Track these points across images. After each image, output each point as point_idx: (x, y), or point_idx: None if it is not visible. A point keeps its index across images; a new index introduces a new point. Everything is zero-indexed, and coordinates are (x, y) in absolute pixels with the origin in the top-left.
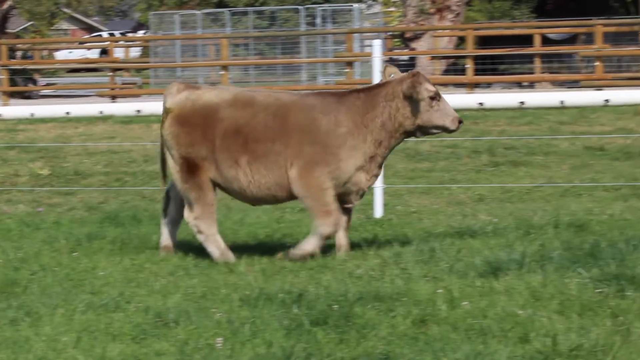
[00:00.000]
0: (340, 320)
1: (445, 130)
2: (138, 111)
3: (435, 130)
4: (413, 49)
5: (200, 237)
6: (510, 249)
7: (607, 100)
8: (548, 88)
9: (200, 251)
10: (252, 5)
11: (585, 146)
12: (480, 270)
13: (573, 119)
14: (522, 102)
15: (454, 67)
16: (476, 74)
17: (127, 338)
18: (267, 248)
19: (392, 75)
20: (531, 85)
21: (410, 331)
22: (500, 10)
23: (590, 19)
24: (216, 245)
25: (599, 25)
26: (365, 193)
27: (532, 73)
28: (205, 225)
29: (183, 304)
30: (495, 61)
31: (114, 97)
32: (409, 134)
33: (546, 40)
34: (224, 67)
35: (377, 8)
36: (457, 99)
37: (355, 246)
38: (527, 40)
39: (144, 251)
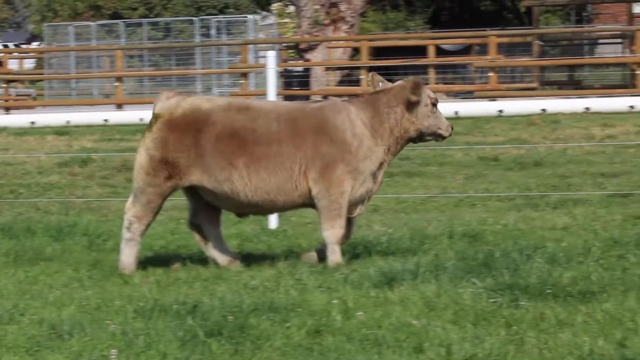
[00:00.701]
0: (234, 331)
1: (440, 136)
2: (32, 123)
3: (430, 137)
4: (308, 60)
5: (126, 235)
6: (404, 260)
7: (500, 111)
8: (442, 98)
9: (95, 263)
10: (146, 16)
11: (479, 156)
12: (374, 280)
13: (467, 130)
14: None
15: (349, 78)
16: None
17: (21, 350)
18: (161, 259)
19: (381, 84)
20: None
21: (305, 342)
22: (395, 21)
23: (484, 30)
24: (135, 251)
25: (493, 36)
26: (369, 201)
27: (426, 84)
28: (139, 228)
29: (77, 315)
30: (390, 72)
31: (7, 109)
32: (410, 140)
33: (440, 51)
34: (119, 79)
35: (271, 19)
36: None
37: (249, 257)
38: (421, 51)
39: (37, 263)
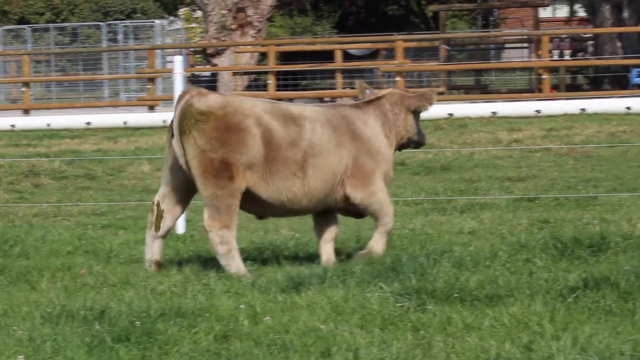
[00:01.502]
0: (142, 337)
1: (421, 144)
2: None
3: (413, 145)
4: (215, 65)
5: (221, 249)
6: (312, 264)
7: None
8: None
9: (2, 269)
10: (53, 21)
11: None
12: (282, 285)
13: None
14: None
15: (256, 82)
16: (278, 90)
17: None
18: (69, 265)
19: (368, 92)
20: (333, 101)
21: (212, 347)
22: (302, 26)
23: (391, 35)
24: (235, 263)
25: (400, 41)
26: None
27: (333, 88)
28: (231, 236)
29: None
30: (297, 77)
31: None
32: (402, 147)
33: (347, 56)
34: (26, 84)
35: (178, 24)
36: None
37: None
38: (328, 55)
39: None
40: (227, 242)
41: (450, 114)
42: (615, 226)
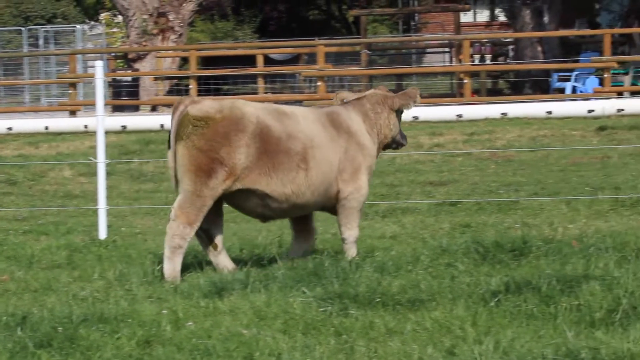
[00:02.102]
0: (64, 343)
1: (401, 145)
2: None
3: (395, 145)
4: (136, 70)
5: (173, 241)
6: (234, 269)
7: None
8: None
9: None
10: None
11: None
12: (204, 290)
13: None
14: None
15: (177, 87)
16: (199, 95)
17: None
18: None
19: (345, 100)
20: None
21: (135, 352)
22: (223, 31)
23: (313, 39)
24: (173, 264)
25: (321, 46)
26: None
27: (255, 93)
28: (188, 235)
29: None
30: (219, 81)
31: None
32: (386, 147)
33: (269, 61)
34: None
35: (100, 29)
36: None
37: (79, 268)
38: (250, 60)
39: None
40: (181, 237)
41: None
42: (536, 230)
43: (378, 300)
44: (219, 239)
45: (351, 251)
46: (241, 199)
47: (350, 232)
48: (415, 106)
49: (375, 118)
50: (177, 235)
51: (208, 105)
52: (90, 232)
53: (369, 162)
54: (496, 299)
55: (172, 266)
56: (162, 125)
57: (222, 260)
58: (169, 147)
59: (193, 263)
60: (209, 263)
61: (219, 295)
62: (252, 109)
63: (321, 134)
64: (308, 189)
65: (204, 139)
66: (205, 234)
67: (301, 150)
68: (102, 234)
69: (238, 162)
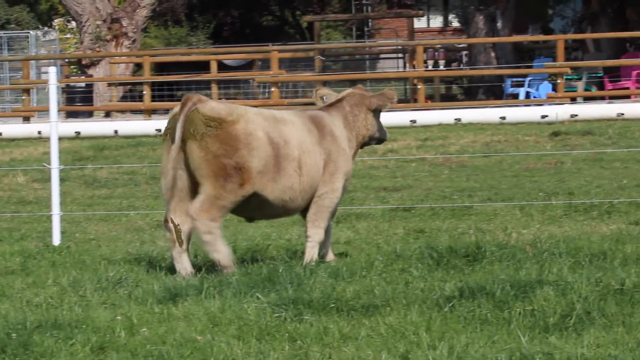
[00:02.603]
0: (18, 349)
1: (382, 141)
2: None
3: (374, 142)
4: (90, 76)
5: (207, 237)
6: (189, 275)
7: None
8: None
9: None
10: None
11: None
12: (159, 296)
13: None
14: None
15: (131, 93)
16: (153, 101)
17: None
18: None
19: (325, 97)
20: None
21: (89, 358)
22: (177, 37)
23: (266, 45)
24: (222, 253)
25: (275, 52)
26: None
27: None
28: (216, 227)
29: None
30: (173, 87)
31: None
32: (364, 145)
33: (223, 67)
34: None
35: (53, 35)
36: (134, 126)
37: (33, 274)
38: (204, 66)
39: None
40: (212, 232)
41: None
42: (490, 235)
43: (332, 305)
44: (187, 238)
45: (312, 251)
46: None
47: (316, 231)
48: (393, 106)
49: (353, 120)
50: (207, 232)
51: (218, 106)
52: (44, 239)
53: (347, 167)
54: (450, 305)
55: (222, 255)
56: (116, 131)
57: (184, 261)
58: (171, 142)
59: (147, 269)
60: (164, 269)
61: (173, 301)
62: (254, 113)
63: (309, 138)
64: (300, 194)
65: (219, 141)
66: (175, 229)
67: (297, 156)
68: (56, 240)
69: (253, 166)
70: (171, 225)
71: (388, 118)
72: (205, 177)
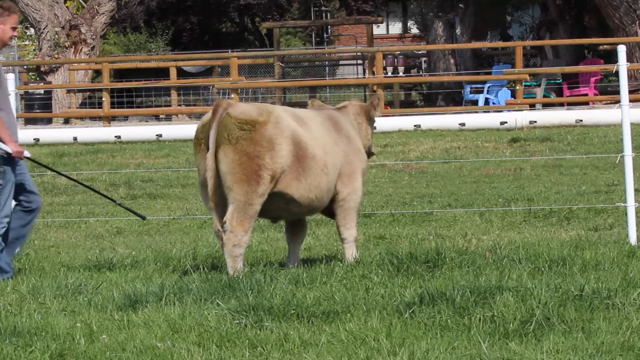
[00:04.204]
0: None
1: (372, 155)
2: None
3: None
4: (49, 83)
5: (234, 251)
6: (148, 282)
7: None
8: (185, 121)
9: None
10: None
11: None
12: (118, 303)
13: None
14: (159, 135)
15: (90, 100)
16: (113, 107)
17: None
18: None
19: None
20: (168, 118)
21: None
22: (136, 43)
23: (226, 52)
24: (236, 266)
25: (234, 58)
26: None
27: (169, 106)
28: (245, 242)
29: None
30: (132, 94)
31: None
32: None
33: (182, 73)
34: None
35: (12, 42)
36: (93, 133)
37: None
38: (163, 72)
39: None
40: (241, 246)
41: None
42: (450, 241)
43: (293, 312)
44: None
45: (351, 250)
46: (266, 201)
47: (350, 232)
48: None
49: (357, 127)
50: (237, 246)
51: (248, 108)
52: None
53: (364, 165)
54: (410, 311)
55: (233, 270)
56: (75, 138)
57: (240, 266)
58: (206, 150)
59: (107, 276)
60: (122, 275)
61: (133, 308)
62: (282, 112)
63: (329, 138)
64: (327, 193)
65: (252, 143)
66: None
67: (323, 156)
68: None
69: (279, 167)
70: (222, 234)
71: None
72: (237, 181)
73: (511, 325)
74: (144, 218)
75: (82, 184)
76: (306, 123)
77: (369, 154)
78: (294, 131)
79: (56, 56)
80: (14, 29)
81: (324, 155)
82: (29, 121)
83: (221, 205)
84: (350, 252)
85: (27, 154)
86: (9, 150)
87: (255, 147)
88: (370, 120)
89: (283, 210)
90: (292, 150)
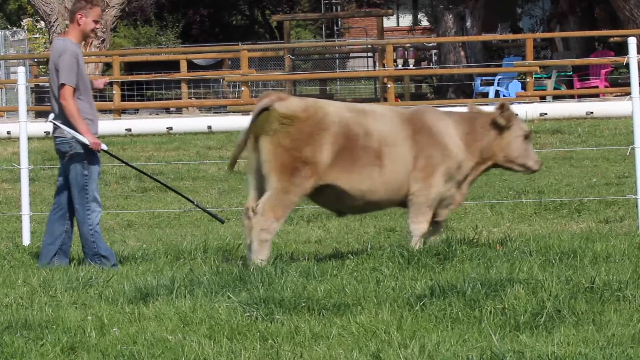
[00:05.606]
0: None
1: (529, 169)
2: None
3: (519, 168)
4: None
5: (262, 235)
6: (159, 275)
7: None
8: (195, 113)
9: None
10: None
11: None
12: (129, 296)
13: (220, 144)
14: (169, 128)
15: (101, 93)
16: (123, 100)
17: None
18: None
19: (476, 109)
20: (179, 111)
21: (60, 359)
22: (146, 36)
23: (236, 45)
24: (263, 254)
25: (244, 51)
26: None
27: (179, 98)
28: (274, 229)
29: None
30: (142, 87)
31: None
32: (496, 165)
33: (192, 66)
34: None
35: (22, 35)
36: (104, 126)
37: (2, 274)
38: (173, 65)
39: None
40: (269, 232)
41: None
42: (461, 234)
43: (304, 305)
44: None
45: (414, 243)
46: (319, 194)
47: (416, 227)
48: (518, 127)
49: (482, 133)
50: (265, 230)
51: (295, 104)
52: (13, 239)
53: (449, 164)
54: (421, 303)
55: (260, 258)
56: None
57: None
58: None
59: (118, 268)
60: (133, 268)
61: (144, 301)
62: (334, 108)
63: (397, 132)
64: (382, 185)
65: (289, 137)
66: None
67: (377, 148)
68: (26, 240)
69: (321, 161)
70: (251, 213)
71: None
72: (273, 170)
73: (522, 317)
74: (222, 221)
75: (160, 182)
76: (368, 117)
77: (525, 167)
78: (344, 126)
79: None
80: (96, 21)
81: (380, 147)
82: (40, 114)
83: (259, 189)
84: (413, 243)
85: (104, 146)
86: (86, 141)
87: (292, 141)
88: (498, 127)
89: (337, 203)
90: (338, 145)
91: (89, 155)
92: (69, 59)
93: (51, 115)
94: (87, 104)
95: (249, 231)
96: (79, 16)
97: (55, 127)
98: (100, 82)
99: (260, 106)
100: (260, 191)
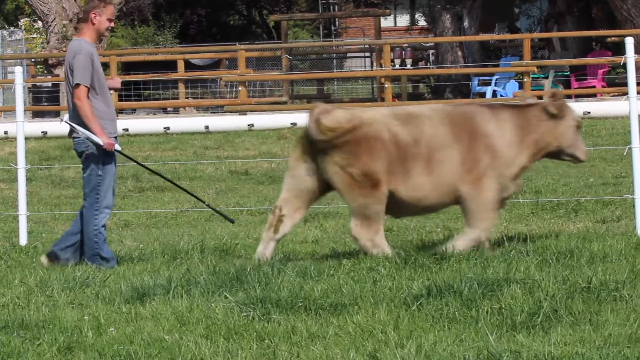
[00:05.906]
0: None
1: (578, 159)
2: None
3: (567, 158)
4: (56, 76)
5: (375, 251)
6: (156, 275)
7: (251, 125)
8: (193, 113)
9: None
10: None
11: (230, 170)
12: (126, 296)
13: (218, 144)
14: (167, 128)
15: None
16: (120, 100)
17: None
18: None
19: (528, 100)
20: (176, 111)
21: (56, 359)
22: (144, 36)
23: (233, 44)
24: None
25: (242, 51)
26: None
27: (176, 98)
28: (379, 238)
29: None
30: (140, 87)
31: None
32: (548, 154)
33: (190, 66)
34: None
35: (19, 35)
36: None
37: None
38: (171, 65)
39: None
40: (377, 245)
41: (294, 124)
42: (457, 234)
43: (300, 304)
44: (282, 233)
45: (462, 242)
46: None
47: (472, 230)
48: (571, 115)
49: (536, 125)
50: (375, 246)
51: (340, 115)
52: (10, 239)
53: (499, 165)
54: (418, 303)
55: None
56: None
57: (269, 247)
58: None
59: (114, 268)
60: (130, 267)
61: (140, 301)
62: (380, 116)
63: (445, 135)
64: (434, 191)
65: (339, 152)
66: (278, 217)
67: (427, 154)
68: (23, 240)
69: (378, 170)
70: (277, 212)
71: None
72: (341, 190)
73: (519, 317)
74: (232, 221)
75: (173, 182)
76: (416, 121)
77: (573, 157)
78: (394, 133)
79: (64, 49)
80: (110, 20)
81: (430, 153)
82: (37, 114)
83: (292, 192)
84: (460, 242)
85: (117, 147)
86: (100, 142)
87: (343, 156)
88: (552, 116)
89: (396, 210)
90: (392, 152)
91: (105, 155)
92: (83, 59)
93: (65, 116)
94: (103, 103)
95: (269, 227)
96: (93, 15)
97: (71, 128)
98: (116, 82)
99: (311, 121)
100: (294, 193)
